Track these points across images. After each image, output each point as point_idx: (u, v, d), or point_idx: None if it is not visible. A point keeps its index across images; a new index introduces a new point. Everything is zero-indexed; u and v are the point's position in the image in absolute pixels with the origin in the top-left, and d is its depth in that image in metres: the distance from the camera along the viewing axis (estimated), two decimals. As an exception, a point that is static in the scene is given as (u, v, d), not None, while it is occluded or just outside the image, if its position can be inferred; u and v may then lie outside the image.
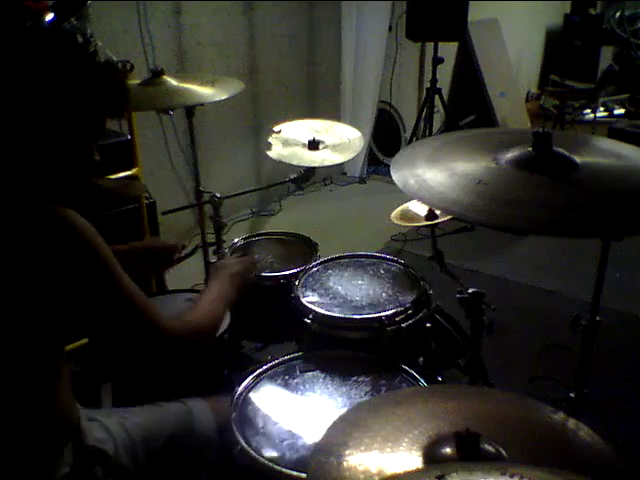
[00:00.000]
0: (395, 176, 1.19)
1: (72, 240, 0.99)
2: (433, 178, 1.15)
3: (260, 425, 1.28)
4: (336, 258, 1.91)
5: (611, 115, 6.10)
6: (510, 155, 1.17)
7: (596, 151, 1.31)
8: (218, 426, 1.34)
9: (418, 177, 1.16)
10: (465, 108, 5.42)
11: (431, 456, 0.87)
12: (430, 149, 1.31)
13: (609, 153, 1.28)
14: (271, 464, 1.16)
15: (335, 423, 0.98)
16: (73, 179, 1.12)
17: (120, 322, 1.06)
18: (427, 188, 1.13)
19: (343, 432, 0.94)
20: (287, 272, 1.89)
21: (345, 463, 0.87)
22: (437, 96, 4.16)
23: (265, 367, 1.47)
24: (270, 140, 2.04)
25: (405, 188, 1.14)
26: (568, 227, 1.04)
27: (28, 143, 1.03)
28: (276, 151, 2.01)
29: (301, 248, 2.10)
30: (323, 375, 1.45)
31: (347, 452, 0.88)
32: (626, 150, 1.28)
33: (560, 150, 1.16)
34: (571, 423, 0.96)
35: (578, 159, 1.16)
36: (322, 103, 4.61)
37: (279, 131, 2.08)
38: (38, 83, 1.00)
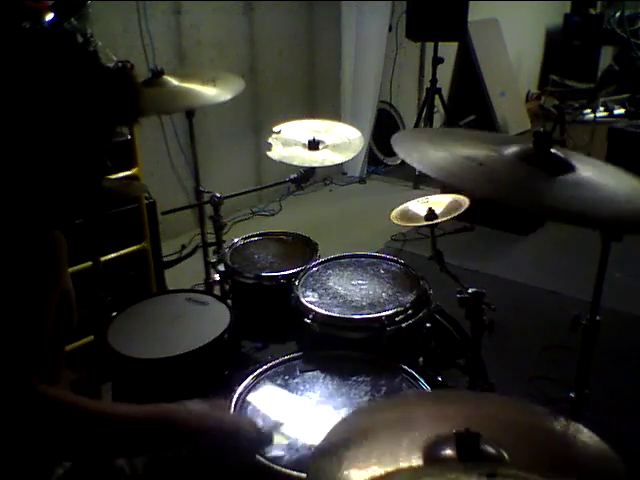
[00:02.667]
0: (397, 148, 1.19)
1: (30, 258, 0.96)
2: (435, 154, 1.15)
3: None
4: (336, 258, 1.91)
5: (611, 115, 6.10)
6: (512, 149, 1.17)
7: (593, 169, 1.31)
8: None
9: (421, 151, 1.17)
10: (465, 108, 5.42)
11: (431, 459, 0.86)
12: (433, 135, 1.31)
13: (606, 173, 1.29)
14: (271, 464, 1.16)
15: (335, 428, 0.98)
16: (85, 188, 1.10)
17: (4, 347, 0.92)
18: (429, 161, 1.13)
19: (343, 436, 0.94)
20: (287, 272, 1.89)
21: (346, 466, 0.87)
22: (437, 96, 4.17)
23: (265, 367, 1.47)
24: (270, 141, 2.04)
25: (407, 158, 1.14)
26: (567, 213, 1.05)
27: (38, 155, 1.00)
28: (276, 151, 2.01)
29: (301, 248, 2.10)
30: (323, 375, 1.45)
31: (347, 455, 0.88)
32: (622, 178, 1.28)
33: (558, 152, 1.16)
34: (571, 426, 0.96)
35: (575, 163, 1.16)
36: (322, 103, 4.61)
37: (279, 131, 2.08)
38: (48, 91, 0.98)
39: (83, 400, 0.97)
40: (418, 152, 1.16)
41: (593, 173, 1.21)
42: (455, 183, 1.08)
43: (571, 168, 1.15)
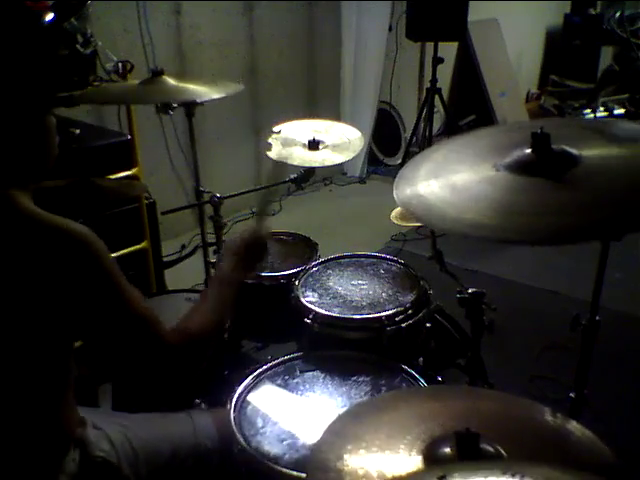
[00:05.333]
0: (398, 198, 1.21)
1: (85, 257, 1.01)
2: (433, 196, 1.16)
3: (260, 425, 1.28)
4: (336, 258, 1.91)
5: (611, 115, 6.09)
6: (509, 160, 1.16)
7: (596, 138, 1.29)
8: (220, 438, 1.31)
9: (420, 197, 1.18)
10: (465, 108, 5.42)
11: (431, 458, 0.86)
12: (430, 163, 1.30)
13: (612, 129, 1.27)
14: (271, 464, 1.16)
15: (333, 425, 0.98)
16: (37, 161, 1.09)
17: (124, 332, 1.08)
18: (427, 207, 1.14)
19: (342, 434, 0.94)
20: (287, 272, 1.89)
21: (344, 464, 0.87)
22: (437, 96, 4.16)
23: (265, 367, 1.47)
24: (270, 141, 2.04)
25: (408, 208, 1.15)
26: (568, 235, 1.04)
27: None
28: (276, 151, 2.00)
29: (301, 248, 2.10)
30: (323, 375, 1.45)
31: (345, 464, 0.87)
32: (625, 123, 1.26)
33: (559, 147, 1.15)
34: (569, 424, 0.96)
35: (579, 152, 1.15)
36: (322, 103, 4.61)
37: (279, 131, 2.08)
38: None
39: (189, 320, 1.20)
40: (417, 200, 1.17)
41: (599, 150, 1.20)
42: (458, 231, 1.08)
43: (574, 162, 1.14)
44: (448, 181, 1.17)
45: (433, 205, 1.13)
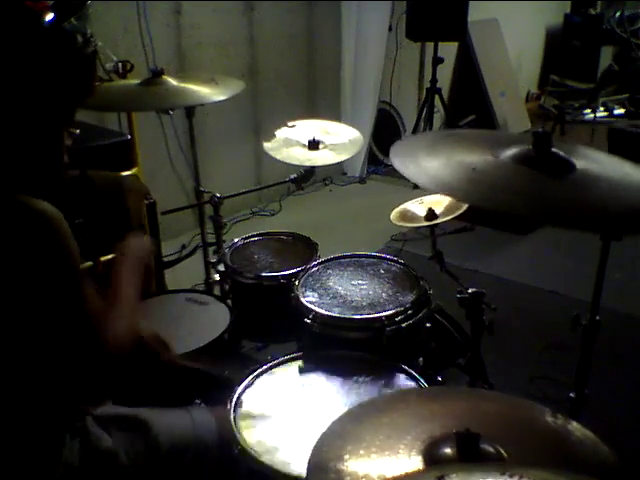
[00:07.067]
0: (395, 160, 1.20)
1: (50, 234, 1.00)
2: (431, 164, 1.16)
3: (260, 425, 1.28)
4: (336, 258, 1.91)
5: (611, 115, 6.10)
6: (510, 152, 1.17)
7: (594, 161, 1.31)
8: (219, 435, 1.32)
9: (416, 162, 1.17)
10: (465, 108, 5.42)
11: (431, 458, 0.86)
12: (430, 141, 1.31)
13: (607, 165, 1.28)
14: (271, 464, 1.16)
15: (333, 425, 0.98)
16: (43, 173, 1.10)
17: (71, 324, 1.04)
18: (422, 170, 1.14)
19: (336, 445, 0.93)
20: (287, 272, 1.89)
21: (344, 464, 0.86)
22: (437, 96, 4.17)
23: (265, 367, 1.47)
24: (276, 132, 2.03)
25: (402, 170, 1.15)
26: (565, 218, 1.05)
27: None
28: (275, 146, 2.00)
29: (301, 248, 2.10)
30: (323, 375, 1.45)
31: (345, 464, 0.87)
32: (624, 165, 1.28)
33: (559, 152, 1.16)
34: (570, 424, 0.96)
35: (577, 163, 1.16)
36: (322, 103, 4.61)
37: (294, 125, 2.08)
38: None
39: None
40: (413, 163, 1.16)
41: (597, 167, 1.21)
42: (447, 192, 1.08)
43: (573, 167, 1.14)
44: (445, 156, 1.18)
45: (428, 170, 1.13)
